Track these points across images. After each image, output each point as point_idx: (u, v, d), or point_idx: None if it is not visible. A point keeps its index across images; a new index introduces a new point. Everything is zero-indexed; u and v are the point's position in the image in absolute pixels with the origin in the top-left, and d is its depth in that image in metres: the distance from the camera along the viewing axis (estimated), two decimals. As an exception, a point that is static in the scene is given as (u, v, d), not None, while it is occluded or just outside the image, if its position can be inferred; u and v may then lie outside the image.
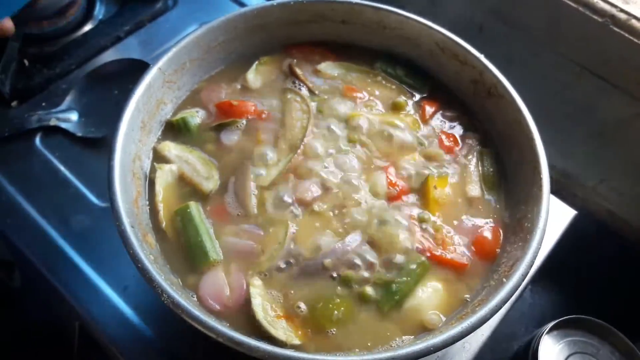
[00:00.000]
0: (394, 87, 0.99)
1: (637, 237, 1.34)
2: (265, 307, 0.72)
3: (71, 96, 1.11)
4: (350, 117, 0.92)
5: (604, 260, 1.30)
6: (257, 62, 0.98)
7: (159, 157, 0.86)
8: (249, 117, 0.91)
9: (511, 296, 0.67)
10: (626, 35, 1.07)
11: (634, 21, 1.07)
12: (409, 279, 0.76)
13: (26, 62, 1.16)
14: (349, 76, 0.99)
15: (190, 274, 0.76)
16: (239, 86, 0.96)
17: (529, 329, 1.22)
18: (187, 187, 0.84)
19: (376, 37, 0.99)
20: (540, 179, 0.77)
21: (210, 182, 0.84)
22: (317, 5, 0.94)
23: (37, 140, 1.06)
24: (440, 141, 0.92)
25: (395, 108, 0.95)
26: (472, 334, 0.89)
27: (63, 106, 1.10)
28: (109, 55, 1.21)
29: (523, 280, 0.69)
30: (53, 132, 1.07)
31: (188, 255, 0.77)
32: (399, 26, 0.95)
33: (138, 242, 0.68)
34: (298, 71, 0.97)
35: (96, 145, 1.07)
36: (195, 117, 0.91)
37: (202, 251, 0.77)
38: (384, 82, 0.99)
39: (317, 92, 0.96)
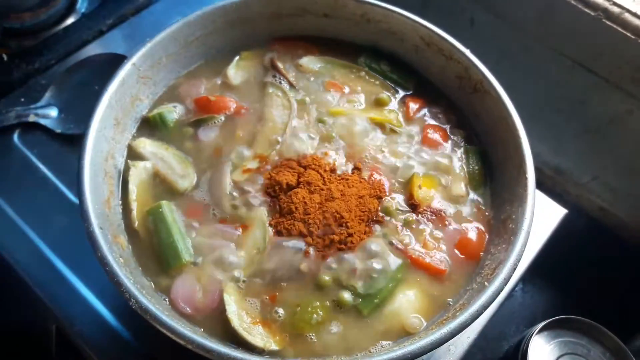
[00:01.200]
0: (377, 82, 0.96)
1: (629, 233, 1.32)
2: (240, 314, 0.70)
3: (51, 92, 1.08)
4: (331, 113, 0.90)
5: (595, 259, 1.28)
6: (237, 58, 0.96)
7: (133, 154, 0.84)
8: (228, 113, 0.89)
9: (493, 300, 0.65)
10: (619, 29, 1.06)
11: (627, 15, 1.05)
12: (389, 283, 0.74)
13: (5, 56, 1.13)
14: (331, 71, 0.97)
15: (162, 276, 0.74)
16: (219, 81, 0.93)
17: (519, 328, 1.20)
18: (161, 185, 0.82)
19: (360, 31, 0.97)
20: (526, 178, 0.75)
21: (185, 180, 0.82)
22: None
23: (16, 136, 1.03)
24: (424, 139, 0.89)
25: (379, 104, 0.93)
26: (458, 336, 0.89)
27: (42, 102, 1.07)
28: (91, 50, 1.18)
29: (506, 284, 0.67)
30: (32, 129, 1.05)
31: (160, 256, 0.75)
32: (383, 20, 0.92)
33: (107, 244, 0.66)
34: (279, 65, 0.95)
35: (76, 143, 1.02)
36: (173, 112, 0.89)
37: (175, 252, 0.74)
38: (367, 77, 0.97)
39: (297, 87, 0.94)
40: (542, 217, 1.02)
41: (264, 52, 0.97)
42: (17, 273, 0.91)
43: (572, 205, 1.17)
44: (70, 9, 1.25)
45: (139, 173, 0.81)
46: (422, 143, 0.89)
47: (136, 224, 0.77)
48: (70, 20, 1.23)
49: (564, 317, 1.10)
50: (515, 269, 0.67)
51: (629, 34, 1.04)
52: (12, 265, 0.91)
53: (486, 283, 0.67)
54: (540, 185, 1.06)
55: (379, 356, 0.61)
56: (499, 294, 0.65)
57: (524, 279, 1.28)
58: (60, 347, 0.94)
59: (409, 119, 0.91)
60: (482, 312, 0.64)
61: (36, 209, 0.96)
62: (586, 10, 1.07)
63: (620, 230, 1.35)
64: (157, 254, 0.75)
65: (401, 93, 0.96)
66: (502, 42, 1.24)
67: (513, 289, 0.99)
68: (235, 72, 0.94)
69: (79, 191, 0.69)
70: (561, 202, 1.06)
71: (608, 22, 1.06)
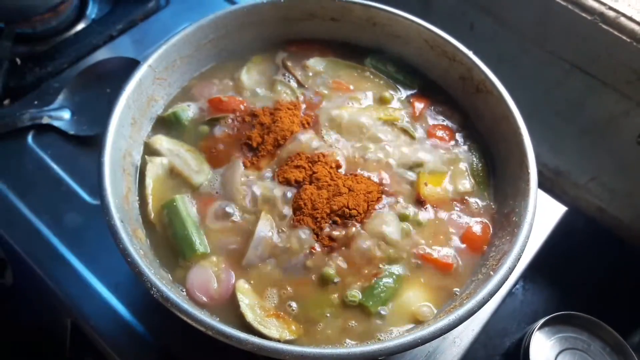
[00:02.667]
0: (382, 82, 0.99)
1: (627, 233, 1.35)
2: (253, 307, 0.73)
3: (63, 94, 1.11)
4: (338, 110, 0.94)
5: (594, 257, 1.31)
6: (249, 62, 0.99)
7: (150, 151, 0.87)
8: (239, 113, 0.92)
9: (499, 288, 0.68)
10: (615, 32, 1.09)
11: (622, 19, 1.08)
12: (394, 284, 0.77)
13: (18, 60, 1.16)
14: (336, 71, 1.00)
15: (178, 267, 0.76)
16: (230, 83, 0.96)
17: (521, 325, 1.23)
18: (177, 180, 0.85)
19: (367, 35, 0.99)
20: (528, 173, 0.78)
21: (200, 175, 0.85)
22: (306, 3, 0.95)
23: (30, 138, 1.06)
24: (430, 137, 0.92)
25: (382, 102, 0.96)
26: (463, 329, 0.92)
27: (55, 104, 1.10)
28: (102, 54, 1.21)
29: (510, 273, 0.69)
30: (45, 131, 1.07)
31: (176, 248, 0.78)
32: (388, 23, 0.96)
33: (128, 236, 0.69)
34: (289, 64, 0.98)
35: (88, 144, 1.07)
36: (187, 111, 0.92)
37: (189, 244, 0.77)
38: (372, 77, 1.00)
39: (305, 85, 0.97)
40: (542, 214, 1.05)
41: (275, 54, 1.00)
42: (34, 270, 0.93)
43: (571, 205, 1.19)
44: (80, 15, 1.28)
45: (155, 168, 0.84)
46: (428, 140, 0.92)
47: (152, 216, 0.80)
48: (80, 26, 1.26)
49: (564, 313, 1.13)
50: (519, 259, 0.70)
51: (624, 38, 1.07)
52: (29, 262, 0.94)
53: (491, 272, 0.69)
54: (539, 186, 1.09)
55: (391, 342, 0.63)
56: (504, 281, 0.68)
57: (525, 277, 1.30)
58: (74, 341, 0.96)
59: (414, 118, 0.94)
60: (489, 299, 0.67)
61: (50, 208, 0.99)
62: (583, 14, 1.10)
63: (618, 229, 1.37)
64: (172, 246, 0.78)
65: (406, 93, 0.99)
66: (501, 45, 1.27)
67: (514, 286, 1.02)
68: (247, 74, 0.97)
69: (99, 186, 0.71)
70: (560, 203, 1.09)
71: (604, 26, 1.09)
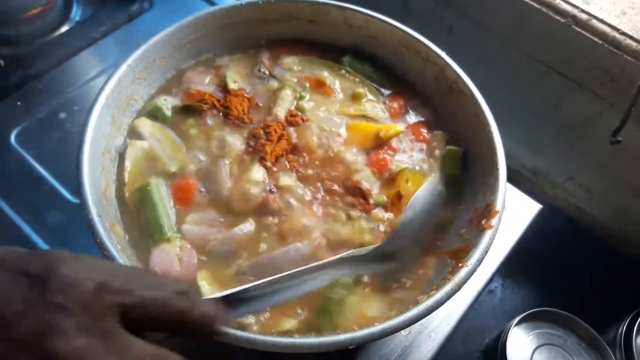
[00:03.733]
0: (357, 80, 1.01)
1: (604, 232, 1.38)
2: (214, 292, 0.74)
3: (46, 95, 1.13)
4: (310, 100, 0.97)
5: (572, 256, 1.33)
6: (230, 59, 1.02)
7: (134, 133, 0.89)
8: (218, 104, 0.94)
9: (466, 281, 0.70)
10: (588, 35, 1.11)
11: (594, 21, 1.10)
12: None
13: (1, 62, 1.17)
14: (311, 68, 1.02)
15: (147, 250, 0.79)
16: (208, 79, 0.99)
17: (499, 322, 1.24)
18: (155, 165, 0.87)
19: (344, 36, 1.02)
20: (497, 169, 0.80)
21: (176, 163, 0.87)
22: (285, 5, 0.97)
23: (12, 138, 1.07)
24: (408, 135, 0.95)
25: (355, 98, 0.98)
26: (438, 323, 0.94)
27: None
28: (85, 56, 1.23)
29: (479, 264, 0.71)
30: (28, 130, 1.09)
31: (146, 231, 0.80)
32: (364, 25, 0.98)
33: (105, 231, 0.70)
34: (265, 62, 1.01)
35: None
36: (166, 104, 0.93)
37: (158, 227, 0.79)
38: (347, 75, 1.01)
39: (280, 79, 0.99)
40: (516, 212, 1.08)
41: (254, 54, 1.02)
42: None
43: (549, 205, 1.22)
44: (64, 17, 1.30)
45: (135, 151, 0.86)
46: (406, 139, 0.94)
47: (127, 195, 0.82)
48: (64, 28, 1.28)
49: (541, 309, 1.15)
50: (487, 251, 0.72)
51: (596, 39, 1.10)
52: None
53: (460, 265, 0.71)
54: (518, 186, 1.12)
55: (360, 332, 0.65)
56: (472, 274, 0.70)
57: (504, 275, 1.33)
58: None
59: (392, 118, 0.97)
60: (458, 290, 0.68)
61: (32, 207, 1.00)
62: (556, 17, 1.13)
63: (596, 229, 1.40)
64: (143, 228, 0.80)
65: (383, 92, 1.01)
66: (479, 48, 1.30)
67: (489, 283, 1.03)
68: (227, 70, 0.99)
69: (78, 183, 0.73)
70: (539, 202, 1.11)
71: (577, 29, 1.12)
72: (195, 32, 0.95)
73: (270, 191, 0.84)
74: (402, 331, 0.90)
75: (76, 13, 1.31)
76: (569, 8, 1.12)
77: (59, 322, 0.44)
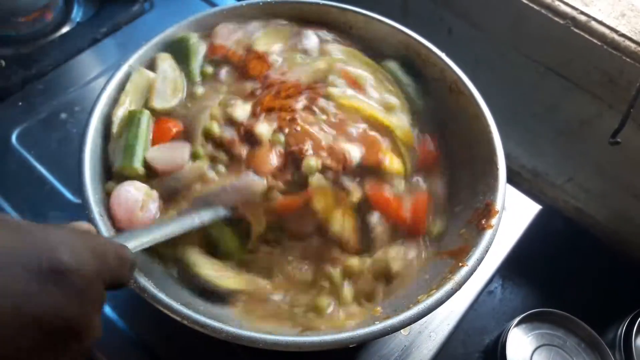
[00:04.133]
0: (393, 88, 0.97)
1: (603, 232, 1.38)
2: None
3: (47, 96, 1.13)
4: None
5: (572, 256, 1.33)
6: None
7: (150, 64, 0.92)
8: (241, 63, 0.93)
9: (467, 280, 0.70)
10: (586, 36, 1.12)
11: (593, 23, 1.11)
12: None
13: (3, 62, 1.17)
14: (352, 63, 0.96)
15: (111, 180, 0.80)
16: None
17: (499, 323, 1.25)
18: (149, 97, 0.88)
19: (344, 38, 1.02)
20: (497, 169, 0.80)
21: (163, 103, 0.87)
22: (285, 6, 0.97)
23: (14, 138, 1.08)
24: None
25: (388, 108, 0.92)
26: (438, 323, 0.94)
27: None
28: (86, 57, 1.23)
29: (479, 264, 0.72)
30: (29, 130, 1.09)
31: (120, 156, 0.80)
32: (364, 26, 0.98)
33: (107, 230, 0.70)
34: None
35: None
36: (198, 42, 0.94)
37: (130, 154, 0.79)
38: (386, 81, 0.96)
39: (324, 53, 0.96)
40: (516, 213, 1.08)
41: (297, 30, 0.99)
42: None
43: (549, 206, 1.22)
44: (65, 18, 1.30)
45: (140, 79, 0.88)
46: None
47: (115, 117, 0.84)
48: (65, 29, 1.28)
49: (541, 310, 1.15)
50: (487, 251, 0.73)
51: (595, 41, 1.10)
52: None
53: (460, 264, 0.72)
54: (518, 187, 1.13)
55: (361, 330, 0.65)
56: (472, 273, 0.70)
57: (503, 276, 1.33)
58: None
59: None
60: (458, 289, 0.69)
61: (34, 207, 1.00)
62: (555, 18, 1.13)
63: (594, 229, 1.41)
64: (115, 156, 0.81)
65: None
66: (478, 50, 1.30)
67: (488, 284, 1.03)
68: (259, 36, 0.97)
69: (80, 182, 0.73)
70: (538, 203, 1.12)
71: (576, 30, 1.12)
72: (196, 33, 0.95)
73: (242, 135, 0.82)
74: (402, 331, 0.91)
75: (77, 14, 1.31)
76: (568, 10, 1.13)
77: (85, 315, 0.47)
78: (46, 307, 0.44)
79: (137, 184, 0.78)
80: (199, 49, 0.93)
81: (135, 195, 0.76)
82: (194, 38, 0.93)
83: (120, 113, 0.84)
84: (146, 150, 0.80)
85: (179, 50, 0.92)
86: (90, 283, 0.48)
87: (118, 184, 0.77)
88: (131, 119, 0.82)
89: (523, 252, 1.07)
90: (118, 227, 0.74)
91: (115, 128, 0.82)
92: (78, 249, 0.49)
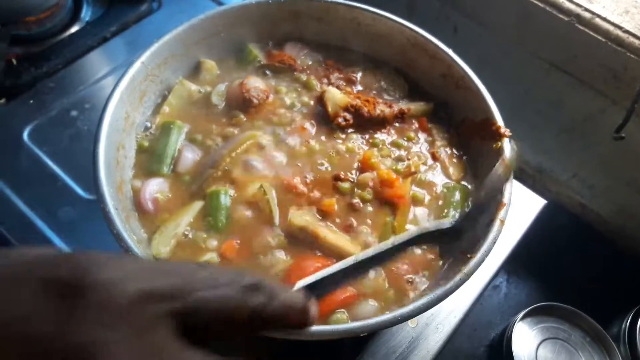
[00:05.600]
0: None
1: (606, 227, 1.39)
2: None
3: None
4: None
5: (576, 251, 1.35)
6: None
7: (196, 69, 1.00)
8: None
9: (475, 270, 0.71)
10: (591, 33, 1.13)
11: (597, 20, 1.12)
12: None
13: (14, 61, 1.19)
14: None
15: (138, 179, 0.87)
16: None
17: (504, 317, 1.26)
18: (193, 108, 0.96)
19: (352, 35, 1.03)
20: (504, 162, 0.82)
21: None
22: (294, 4, 0.99)
23: (25, 135, 1.09)
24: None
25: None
26: (445, 316, 0.95)
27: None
28: (96, 55, 1.25)
29: (486, 256, 0.72)
30: (40, 128, 1.11)
31: (149, 161, 0.88)
32: (372, 23, 0.99)
33: (122, 223, 0.72)
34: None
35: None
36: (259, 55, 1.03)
37: (161, 158, 0.87)
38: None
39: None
40: (521, 207, 1.09)
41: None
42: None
43: (553, 202, 1.23)
44: (74, 17, 1.32)
45: (182, 91, 0.96)
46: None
47: (158, 122, 0.93)
48: (75, 28, 1.30)
49: (546, 304, 1.17)
50: (494, 243, 0.74)
51: (600, 38, 1.11)
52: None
53: (468, 255, 0.73)
54: (523, 183, 1.14)
55: (372, 319, 0.66)
56: (480, 264, 0.71)
57: (508, 270, 1.35)
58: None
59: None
60: (466, 280, 0.70)
61: (45, 202, 1.02)
62: (560, 15, 1.14)
63: (598, 224, 1.42)
64: (147, 160, 0.88)
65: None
66: (483, 47, 1.31)
67: (493, 278, 1.05)
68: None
69: (95, 176, 0.74)
70: (543, 198, 1.13)
71: (580, 27, 1.13)
72: (206, 31, 0.96)
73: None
74: (410, 323, 0.92)
75: (86, 13, 1.33)
76: (572, 7, 1.14)
77: (98, 343, 0.36)
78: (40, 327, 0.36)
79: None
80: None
81: (165, 184, 0.86)
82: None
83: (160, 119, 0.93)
84: (173, 157, 0.88)
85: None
86: (125, 315, 0.37)
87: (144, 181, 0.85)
88: (165, 128, 0.90)
89: (528, 247, 1.08)
90: (146, 209, 0.82)
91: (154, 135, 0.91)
92: (140, 272, 0.40)
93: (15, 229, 0.98)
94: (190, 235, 0.80)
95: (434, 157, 0.93)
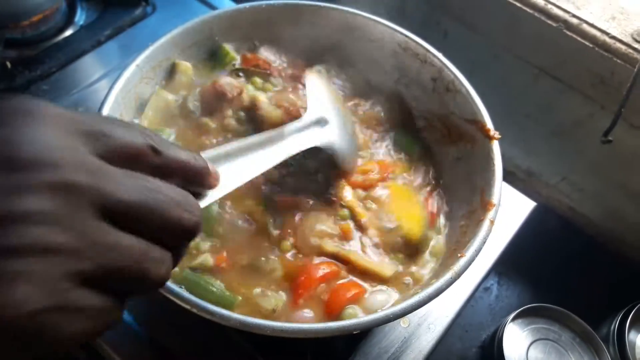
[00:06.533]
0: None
1: (596, 230, 1.41)
2: None
3: (52, 97, 1.15)
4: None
5: (566, 254, 1.36)
6: None
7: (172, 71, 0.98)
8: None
9: (465, 269, 0.73)
10: (578, 38, 1.14)
11: (585, 25, 1.14)
12: None
13: (8, 64, 1.19)
14: None
15: None
16: None
17: (496, 318, 1.27)
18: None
19: (342, 38, 1.04)
20: (493, 164, 0.83)
21: None
22: (287, 8, 1.00)
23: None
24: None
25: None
26: (436, 316, 0.96)
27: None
28: (90, 59, 1.25)
29: (477, 254, 0.74)
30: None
31: None
32: (363, 27, 1.01)
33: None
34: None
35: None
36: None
37: None
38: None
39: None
40: (510, 210, 1.11)
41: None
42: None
43: (543, 205, 1.24)
44: (69, 21, 1.32)
45: (158, 101, 0.94)
46: None
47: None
48: (69, 32, 1.30)
49: (536, 305, 1.17)
50: (485, 242, 0.75)
51: (587, 43, 1.13)
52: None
53: (459, 255, 0.74)
54: (512, 185, 1.15)
55: (365, 317, 0.67)
56: (471, 263, 0.73)
57: (499, 273, 1.36)
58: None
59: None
60: (457, 279, 0.71)
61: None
62: (548, 21, 1.16)
63: (588, 227, 1.43)
64: None
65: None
66: (474, 52, 1.33)
67: (484, 280, 1.06)
68: None
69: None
70: (533, 200, 1.14)
71: (568, 33, 1.15)
72: (200, 34, 0.98)
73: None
74: (401, 323, 0.93)
75: (80, 17, 1.33)
76: (560, 13, 1.16)
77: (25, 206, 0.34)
78: None
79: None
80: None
81: None
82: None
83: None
84: None
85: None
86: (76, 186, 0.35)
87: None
88: None
89: (518, 249, 1.10)
90: None
91: None
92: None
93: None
94: None
95: None
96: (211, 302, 0.66)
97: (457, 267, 0.72)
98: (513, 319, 1.16)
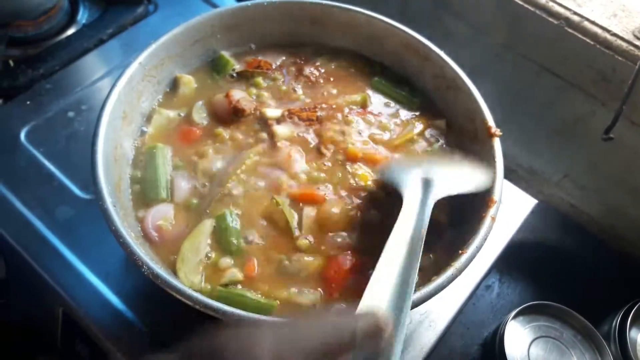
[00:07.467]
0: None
1: (597, 228, 1.41)
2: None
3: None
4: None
5: (567, 251, 1.36)
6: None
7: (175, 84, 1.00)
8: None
9: (467, 266, 0.73)
10: (580, 36, 1.14)
11: (586, 23, 1.14)
12: None
13: (11, 62, 1.20)
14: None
15: (141, 209, 0.85)
16: None
17: (497, 316, 1.27)
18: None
19: (345, 36, 1.05)
20: (495, 161, 0.83)
21: None
22: (289, 6, 1.01)
23: (22, 136, 1.10)
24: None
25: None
26: (438, 314, 0.97)
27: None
28: (92, 57, 1.26)
29: (478, 251, 0.74)
30: (37, 128, 1.12)
31: (144, 190, 0.86)
32: (365, 25, 1.01)
33: (120, 220, 0.73)
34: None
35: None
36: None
37: (154, 187, 0.86)
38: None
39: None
40: (511, 207, 1.11)
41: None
42: (26, 260, 0.96)
43: (545, 203, 1.24)
44: (71, 20, 1.33)
45: (161, 119, 0.95)
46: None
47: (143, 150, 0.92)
48: (71, 30, 1.31)
49: (537, 302, 1.17)
50: (486, 238, 0.75)
51: (588, 40, 1.13)
52: (21, 253, 0.97)
53: (460, 251, 0.74)
54: (514, 183, 1.15)
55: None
56: (472, 259, 0.73)
57: (501, 270, 1.36)
58: (65, 330, 0.99)
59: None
60: (458, 275, 0.72)
61: (42, 202, 1.03)
62: (550, 19, 1.16)
63: (589, 225, 1.43)
64: (142, 189, 0.87)
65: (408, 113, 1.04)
66: (475, 50, 1.33)
67: (485, 278, 1.06)
68: None
69: (93, 174, 0.75)
70: (535, 198, 1.15)
71: (570, 30, 1.15)
72: (202, 32, 0.98)
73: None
74: (403, 319, 0.93)
75: (83, 16, 1.34)
76: (562, 10, 1.16)
77: None
78: None
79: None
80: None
81: (167, 212, 0.85)
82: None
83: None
84: (166, 180, 0.88)
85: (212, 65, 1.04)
86: None
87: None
88: (149, 155, 0.90)
89: (519, 247, 1.10)
90: (152, 238, 0.82)
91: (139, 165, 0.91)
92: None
93: (12, 228, 0.99)
94: (211, 256, 0.81)
95: None
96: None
97: (458, 263, 0.72)
98: (514, 317, 1.16)
